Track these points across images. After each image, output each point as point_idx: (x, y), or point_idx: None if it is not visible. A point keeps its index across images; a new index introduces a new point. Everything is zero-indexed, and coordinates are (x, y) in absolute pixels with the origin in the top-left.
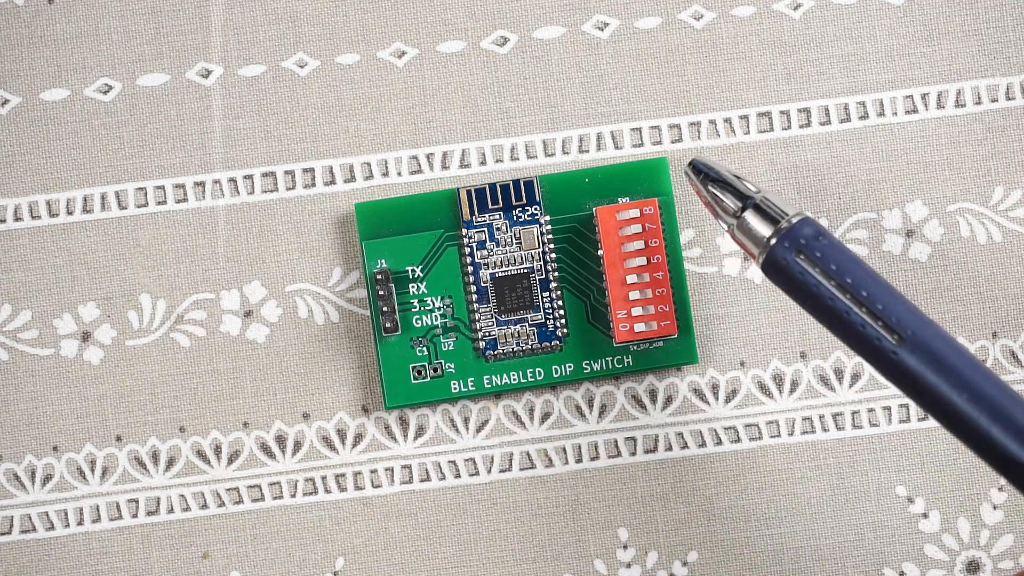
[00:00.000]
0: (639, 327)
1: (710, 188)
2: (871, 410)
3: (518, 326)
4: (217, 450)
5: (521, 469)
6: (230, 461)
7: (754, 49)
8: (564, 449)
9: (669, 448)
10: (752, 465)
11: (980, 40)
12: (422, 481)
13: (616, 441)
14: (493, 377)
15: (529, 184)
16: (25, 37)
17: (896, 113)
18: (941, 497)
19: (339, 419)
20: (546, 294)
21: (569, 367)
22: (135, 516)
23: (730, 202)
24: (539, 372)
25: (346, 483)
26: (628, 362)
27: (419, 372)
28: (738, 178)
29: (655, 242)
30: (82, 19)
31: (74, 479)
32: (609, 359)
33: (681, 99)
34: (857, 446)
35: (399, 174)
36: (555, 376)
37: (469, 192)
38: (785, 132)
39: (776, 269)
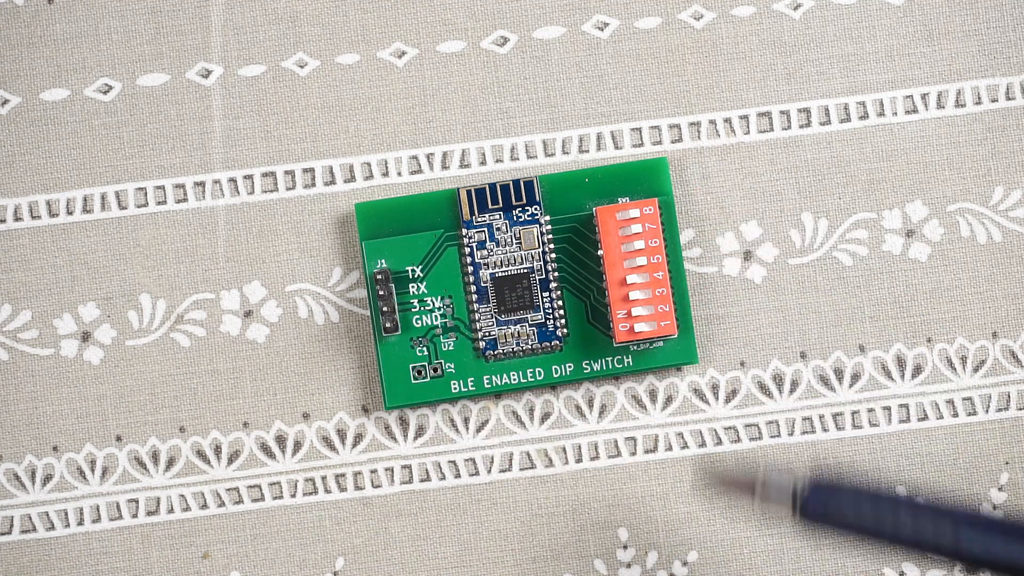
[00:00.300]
0: (639, 327)
1: (727, 487)
2: (871, 410)
3: (518, 326)
4: (217, 450)
5: (521, 469)
6: (230, 461)
7: (754, 49)
8: (564, 449)
9: (669, 448)
10: (752, 465)
11: (980, 40)
12: (422, 481)
13: (616, 441)
14: (493, 377)
15: (529, 184)
16: (25, 37)
17: (896, 113)
18: (941, 497)
19: (339, 419)
20: (546, 294)
21: (569, 367)
22: (135, 516)
23: (747, 493)
24: (539, 372)
25: (346, 483)
26: (628, 362)
27: (419, 372)
28: (740, 473)
29: (655, 242)
30: (82, 19)
31: (74, 479)
32: (609, 359)
33: (681, 99)
34: (857, 446)
35: (399, 174)
36: (555, 376)
37: (469, 192)
38: (785, 132)
39: (814, 527)
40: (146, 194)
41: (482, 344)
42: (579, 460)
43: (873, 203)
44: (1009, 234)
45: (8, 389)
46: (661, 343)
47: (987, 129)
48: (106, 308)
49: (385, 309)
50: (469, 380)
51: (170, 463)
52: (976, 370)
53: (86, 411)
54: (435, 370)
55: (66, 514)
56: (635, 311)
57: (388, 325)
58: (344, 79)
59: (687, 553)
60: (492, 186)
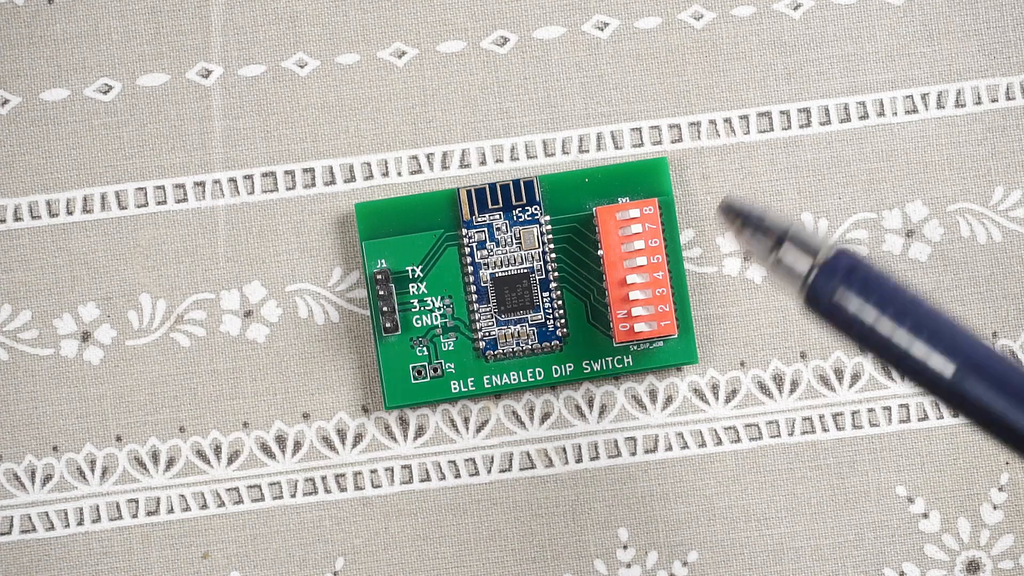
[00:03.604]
0: (639, 327)
1: (745, 229)
2: (871, 410)
3: (518, 326)
4: (217, 450)
5: (521, 469)
6: (230, 461)
7: (754, 49)
8: (564, 449)
9: (669, 448)
10: (752, 465)
11: (980, 40)
12: (422, 481)
13: (616, 441)
14: (493, 377)
15: (529, 184)
16: (25, 37)
17: (896, 113)
18: (941, 497)
19: (339, 419)
20: (546, 294)
21: (569, 367)
22: (135, 516)
23: (765, 240)
24: (539, 372)
25: (346, 483)
26: (628, 362)
27: (419, 372)
28: (765, 214)
29: (655, 242)
30: (82, 19)
31: (74, 479)
32: (609, 359)
33: (681, 99)
34: (857, 446)
35: (399, 174)
36: (555, 376)
37: (469, 192)
38: (785, 132)
39: (816, 304)
40: (146, 194)
41: (482, 344)
42: (579, 460)
43: (873, 203)
44: (1009, 234)
45: (8, 389)
46: (661, 343)
47: (987, 129)
48: (106, 308)
49: (385, 309)
50: (469, 380)
51: (170, 463)
52: None
53: (86, 411)
54: (435, 370)
55: (66, 514)
56: (635, 311)
57: (388, 325)
58: (344, 79)
59: (687, 553)
60: (492, 186)
